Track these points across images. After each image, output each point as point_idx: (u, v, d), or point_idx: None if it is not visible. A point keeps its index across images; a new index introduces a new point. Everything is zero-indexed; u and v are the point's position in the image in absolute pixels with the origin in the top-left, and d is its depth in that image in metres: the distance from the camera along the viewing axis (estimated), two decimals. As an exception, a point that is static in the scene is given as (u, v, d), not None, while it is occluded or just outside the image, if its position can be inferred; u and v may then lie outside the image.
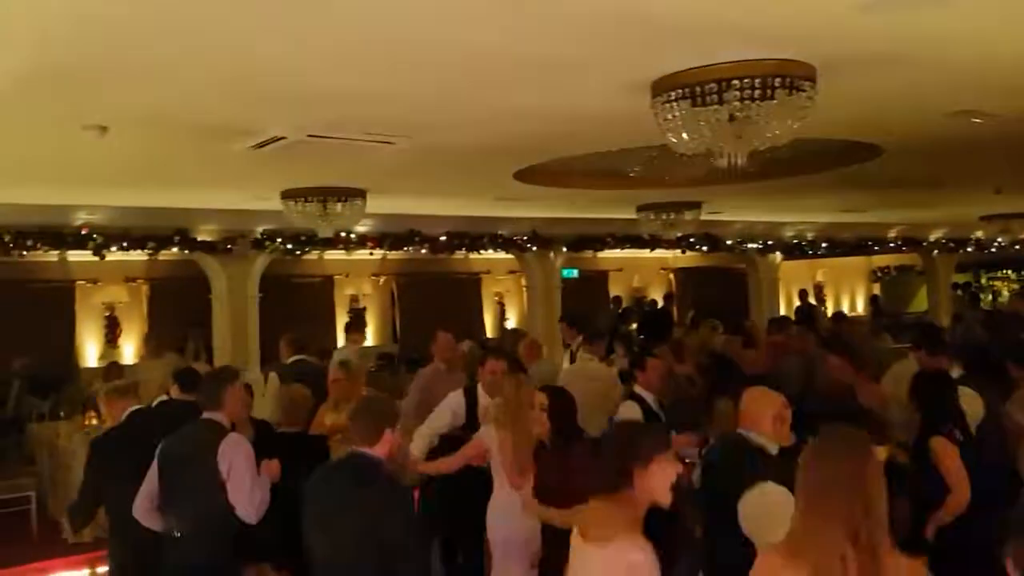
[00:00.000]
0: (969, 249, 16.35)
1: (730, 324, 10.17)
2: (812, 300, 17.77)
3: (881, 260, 19.87)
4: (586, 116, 4.83)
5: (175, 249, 9.95)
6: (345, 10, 3.01)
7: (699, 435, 5.13)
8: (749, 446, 3.78)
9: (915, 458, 4.48)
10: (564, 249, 12.78)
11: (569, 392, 4.52)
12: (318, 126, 4.90)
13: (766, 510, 3.27)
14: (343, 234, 10.39)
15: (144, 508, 4.41)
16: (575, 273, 15.44)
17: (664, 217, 9.04)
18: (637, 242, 12.90)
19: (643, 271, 17.67)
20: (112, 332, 12.89)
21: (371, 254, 12.22)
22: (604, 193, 8.11)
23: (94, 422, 8.15)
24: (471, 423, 5.45)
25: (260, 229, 10.16)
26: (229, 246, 10.15)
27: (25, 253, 9.17)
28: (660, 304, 16.96)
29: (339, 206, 7.10)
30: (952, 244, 16.07)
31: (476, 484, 4.95)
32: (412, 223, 10.64)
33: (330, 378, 6.95)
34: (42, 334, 11.80)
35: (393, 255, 13.28)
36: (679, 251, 15.01)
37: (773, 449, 3.74)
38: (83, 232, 9.12)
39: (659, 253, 15.00)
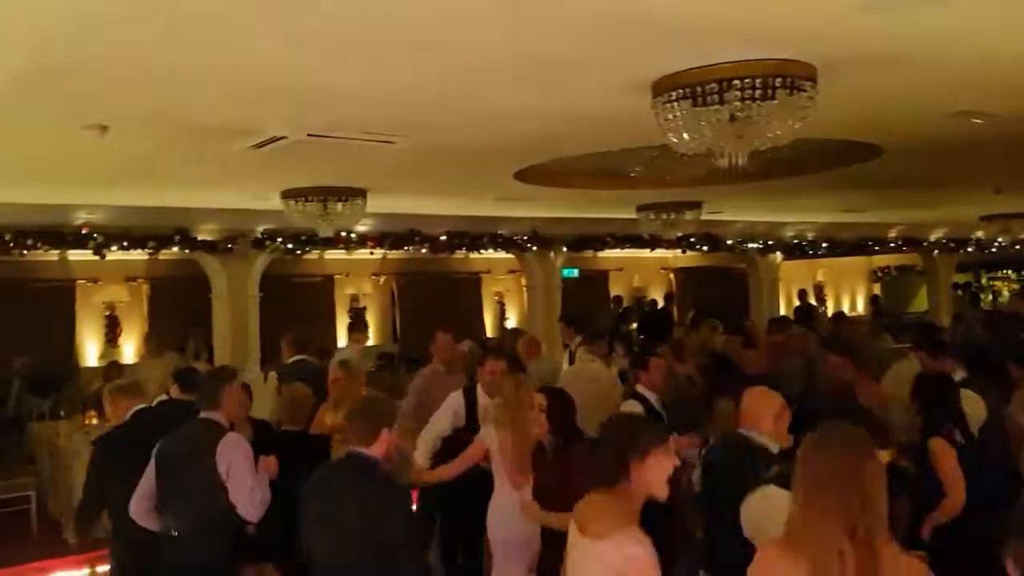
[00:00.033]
0: (969, 249, 16.33)
1: (730, 324, 10.16)
2: (812, 300, 17.76)
3: (881, 260, 19.85)
4: (586, 116, 4.82)
5: (175, 248, 9.94)
6: (345, 10, 3.00)
7: (700, 435, 5.13)
8: (750, 446, 3.78)
9: (916, 459, 4.49)
10: (564, 249, 12.76)
11: (568, 393, 4.50)
12: (318, 126, 4.90)
13: (768, 513, 3.26)
14: (343, 234, 10.38)
15: (141, 508, 4.40)
16: (575, 273, 15.44)
17: (664, 217, 9.02)
18: (637, 242, 12.88)
19: (643, 271, 17.66)
20: (112, 331, 12.89)
21: (371, 254, 12.21)
22: (604, 193, 8.10)
23: (94, 421, 8.17)
24: (471, 424, 5.44)
25: (260, 229, 10.15)
26: (229, 245, 10.14)
27: (25, 252, 9.16)
28: (660, 304, 16.95)
29: (339, 206, 7.09)
30: (952, 244, 16.05)
31: (476, 484, 4.95)
32: (412, 223, 10.63)
33: (330, 378, 6.94)
34: (42, 333, 11.80)
35: (393, 255, 13.28)
36: (679, 251, 14.99)
37: (775, 448, 3.74)
38: (83, 231, 9.11)
39: (659, 253, 14.98)
